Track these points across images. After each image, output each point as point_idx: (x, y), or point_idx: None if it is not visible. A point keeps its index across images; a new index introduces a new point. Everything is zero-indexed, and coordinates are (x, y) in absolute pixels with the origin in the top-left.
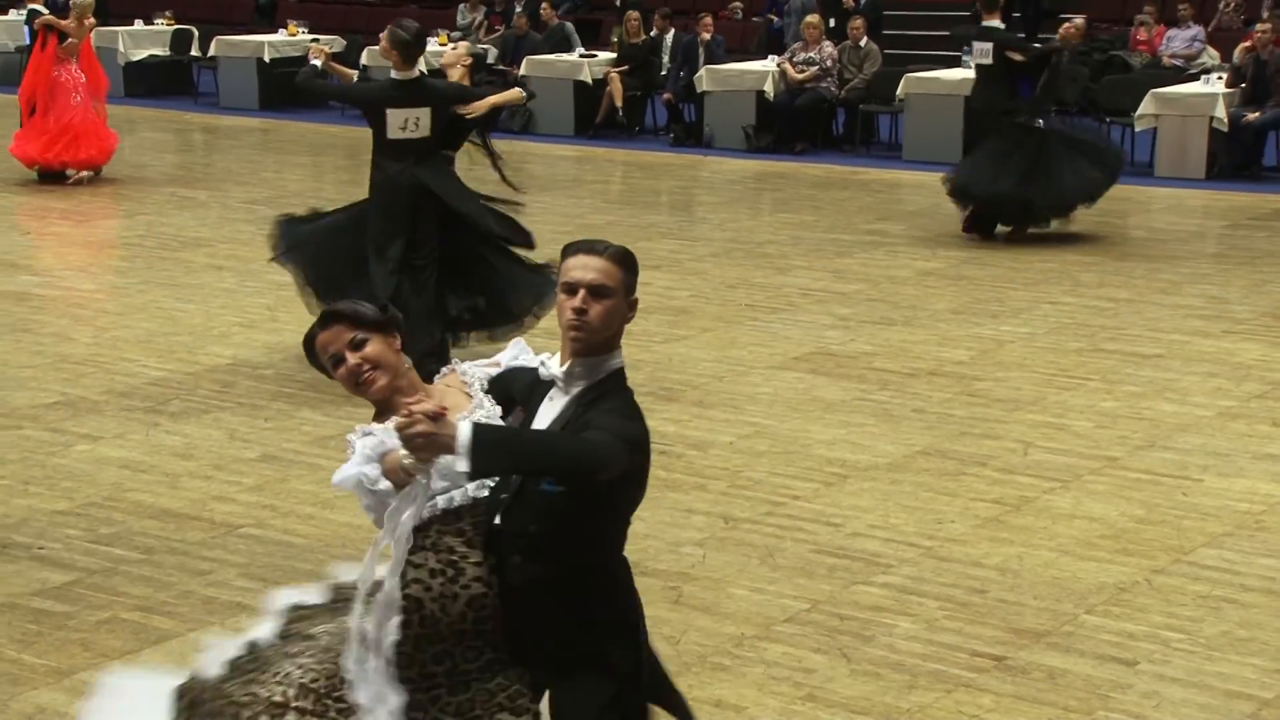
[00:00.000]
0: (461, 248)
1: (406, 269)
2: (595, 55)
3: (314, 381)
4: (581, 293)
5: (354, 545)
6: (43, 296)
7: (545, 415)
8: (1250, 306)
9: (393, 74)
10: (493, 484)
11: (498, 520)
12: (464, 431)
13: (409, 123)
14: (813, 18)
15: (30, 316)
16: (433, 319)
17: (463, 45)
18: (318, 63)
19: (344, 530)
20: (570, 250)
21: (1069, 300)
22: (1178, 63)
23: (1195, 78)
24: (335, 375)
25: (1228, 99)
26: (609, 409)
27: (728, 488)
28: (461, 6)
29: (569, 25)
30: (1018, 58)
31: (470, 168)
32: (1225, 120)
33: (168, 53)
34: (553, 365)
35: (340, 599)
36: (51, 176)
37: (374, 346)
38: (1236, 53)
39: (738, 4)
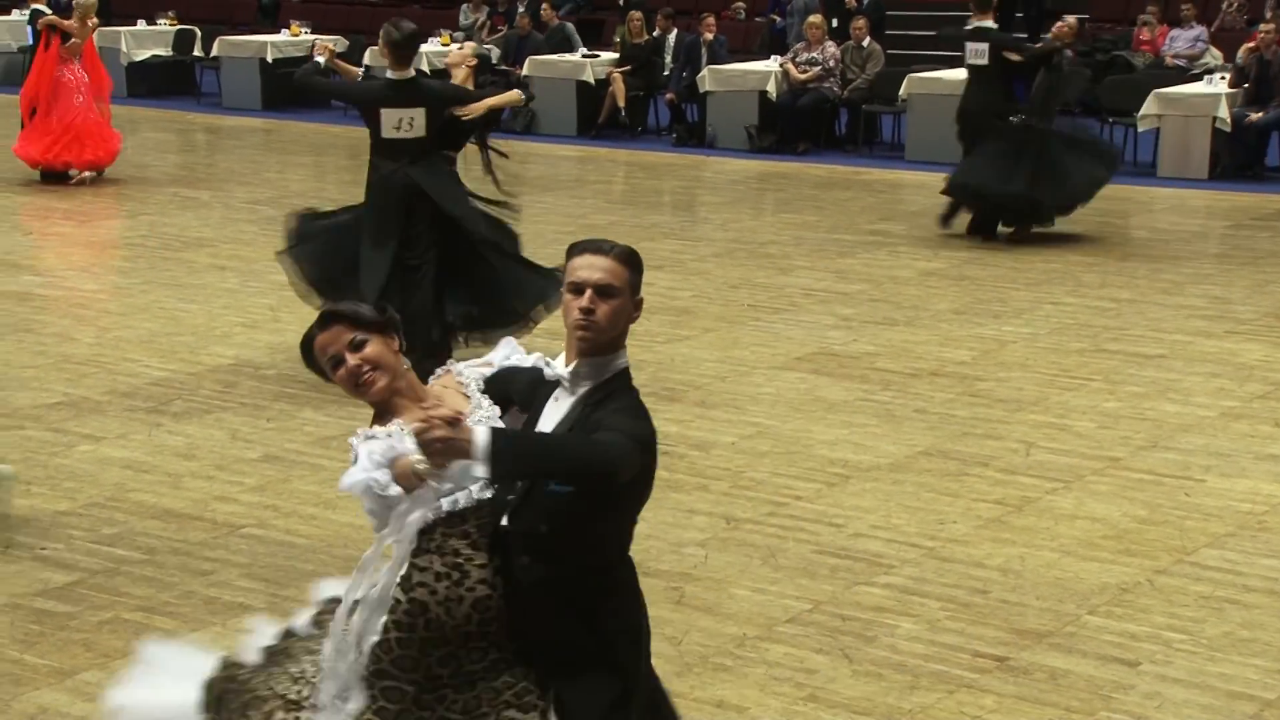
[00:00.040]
0: (462, 248)
1: (399, 268)
2: (598, 55)
3: (316, 382)
4: (588, 292)
5: (356, 545)
6: (45, 297)
7: (551, 416)
8: (1253, 307)
9: (388, 73)
10: (497, 485)
11: (505, 521)
12: (482, 436)
13: (403, 123)
14: (815, 18)
15: (33, 317)
16: (430, 319)
17: (469, 46)
18: (322, 59)
19: (346, 530)
20: (576, 250)
21: (1071, 300)
22: (1180, 63)
23: (1198, 78)
24: (334, 377)
25: (1230, 99)
26: (617, 409)
27: (730, 488)
28: (464, 7)
29: (569, 25)
30: (1015, 58)
31: (471, 168)
32: (1228, 120)
33: (170, 53)
34: (558, 366)
35: None
36: (54, 177)
37: (373, 347)
38: (1240, 53)
39: (740, 4)
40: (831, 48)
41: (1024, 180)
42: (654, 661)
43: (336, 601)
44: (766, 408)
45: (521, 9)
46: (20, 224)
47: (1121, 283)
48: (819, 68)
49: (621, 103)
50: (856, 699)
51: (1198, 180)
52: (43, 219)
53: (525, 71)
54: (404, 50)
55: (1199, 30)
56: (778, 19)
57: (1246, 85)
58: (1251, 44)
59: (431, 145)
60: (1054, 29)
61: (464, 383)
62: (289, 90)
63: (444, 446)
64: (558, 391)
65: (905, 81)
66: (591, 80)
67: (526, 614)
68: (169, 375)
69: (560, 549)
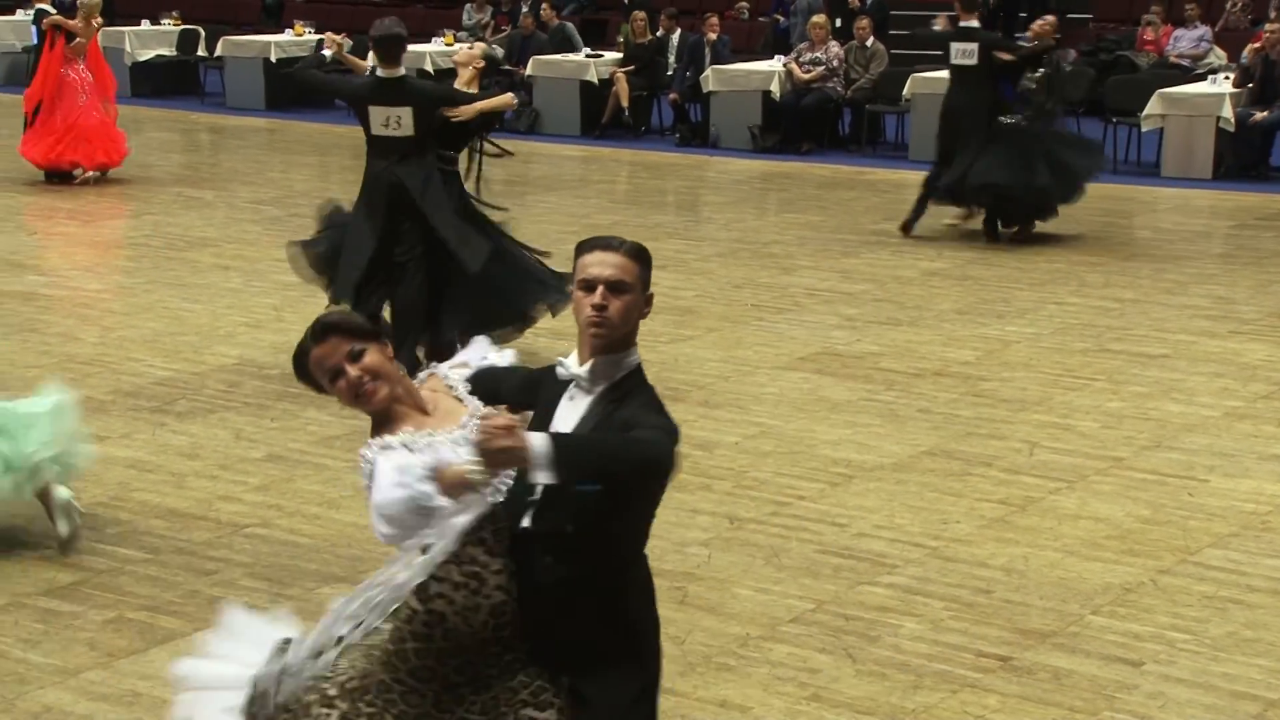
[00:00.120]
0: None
1: (384, 266)
2: (601, 55)
3: None
4: (600, 289)
5: (359, 545)
6: (49, 296)
7: (568, 415)
8: (1257, 307)
9: (377, 71)
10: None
11: (526, 523)
12: (541, 442)
13: (391, 121)
14: (819, 18)
15: (37, 316)
16: (420, 316)
17: (479, 47)
18: (328, 53)
19: (349, 530)
20: (585, 247)
21: (1075, 300)
22: (1184, 63)
23: (1202, 78)
24: (333, 389)
25: (1234, 99)
26: (642, 405)
27: (733, 488)
28: (468, 7)
29: (570, 25)
30: (1007, 57)
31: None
32: (1232, 120)
33: (174, 53)
34: (572, 365)
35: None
36: (59, 176)
37: (372, 356)
38: (1245, 52)
39: (744, 4)
40: (835, 47)
41: (1046, 174)
42: None
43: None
44: (770, 407)
45: (525, 9)
46: (25, 224)
47: (1125, 283)
48: (822, 67)
49: (625, 103)
50: (860, 699)
51: (1201, 180)
52: (47, 219)
53: (529, 71)
54: (384, 48)
55: (1203, 30)
56: (781, 19)
57: (1251, 85)
58: (1256, 44)
59: (423, 145)
60: (1034, 27)
61: (452, 385)
62: (293, 90)
63: (506, 455)
64: (572, 390)
65: (909, 81)
66: (595, 80)
67: (547, 614)
68: (173, 375)
69: (585, 547)
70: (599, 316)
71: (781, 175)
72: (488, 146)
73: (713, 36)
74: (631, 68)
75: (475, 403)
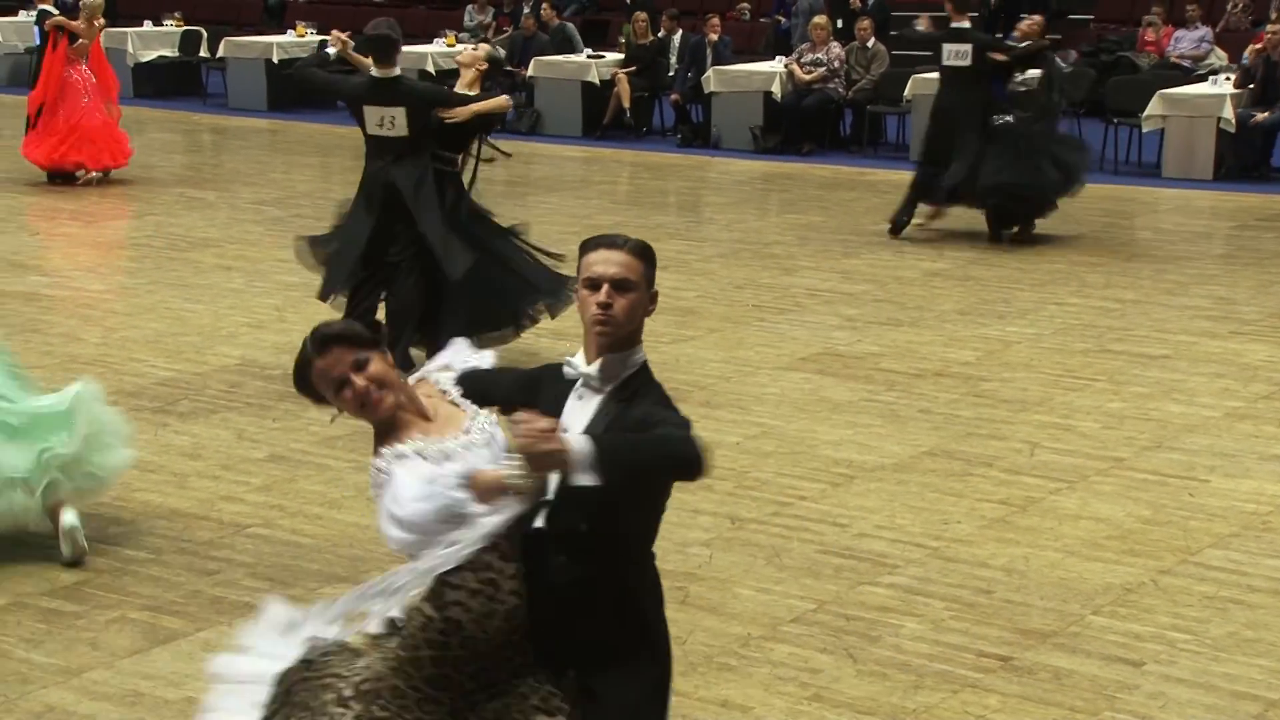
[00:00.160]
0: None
1: (377, 265)
2: (603, 56)
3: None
4: (605, 287)
5: (361, 545)
6: (52, 297)
7: (579, 415)
8: (1258, 307)
9: (373, 71)
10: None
11: (539, 523)
12: (583, 444)
13: (385, 121)
14: (820, 19)
15: (39, 317)
16: (414, 315)
17: (483, 48)
18: (333, 50)
19: (351, 530)
20: (590, 245)
21: (1075, 301)
22: (1185, 64)
23: (1203, 78)
24: (337, 400)
25: (1235, 100)
26: (654, 402)
27: (734, 488)
28: (469, 8)
29: (570, 26)
30: (1001, 58)
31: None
32: (1233, 121)
33: (176, 54)
34: (580, 364)
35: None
36: (61, 177)
37: (376, 365)
38: (1247, 53)
39: (745, 5)
40: (836, 48)
41: (1051, 170)
42: None
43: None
44: (771, 408)
45: (527, 10)
46: (27, 224)
47: (1126, 283)
48: (823, 68)
49: (627, 103)
50: (861, 698)
51: (1202, 181)
52: (49, 219)
53: (530, 72)
54: (376, 49)
55: (1204, 31)
56: (782, 20)
57: (1252, 86)
58: (1257, 45)
59: (418, 145)
60: (1021, 27)
61: (445, 390)
62: (294, 91)
63: (550, 459)
64: (580, 390)
65: (910, 82)
66: (597, 81)
67: (560, 614)
68: (175, 375)
69: (599, 546)
70: (604, 315)
71: (783, 176)
72: (484, 149)
73: (714, 37)
74: (633, 68)
75: (473, 408)
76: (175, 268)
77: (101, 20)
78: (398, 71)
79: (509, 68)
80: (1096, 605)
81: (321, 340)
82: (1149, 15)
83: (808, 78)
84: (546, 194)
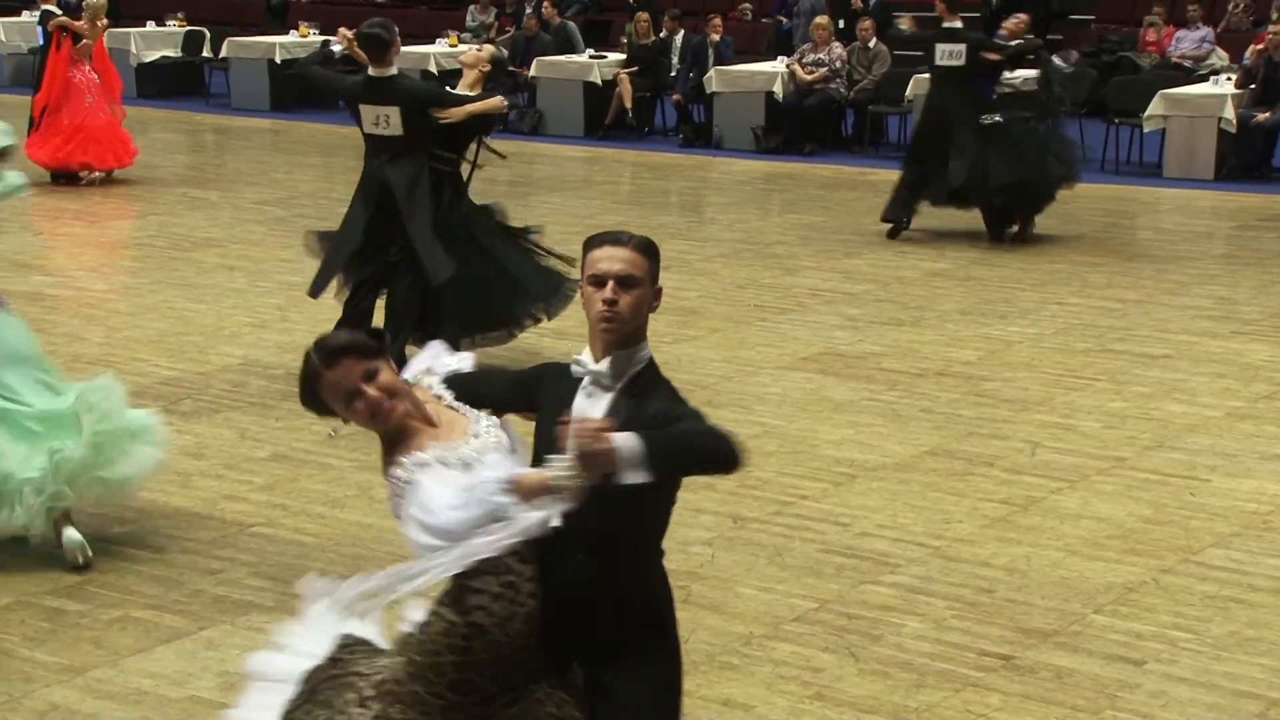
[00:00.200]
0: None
1: (373, 264)
2: (605, 56)
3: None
4: (610, 284)
5: (364, 544)
6: (55, 297)
7: (589, 412)
8: (1259, 307)
9: (369, 70)
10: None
11: (555, 522)
12: (633, 442)
13: (380, 120)
14: (822, 19)
15: (43, 317)
16: (414, 317)
17: (487, 49)
18: (338, 47)
19: (354, 529)
20: (594, 243)
21: (1077, 301)
22: (1186, 64)
23: (1204, 79)
24: (348, 411)
25: (1236, 100)
26: (668, 397)
27: (736, 487)
28: (472, 8)
29: (571, 25)
30: (994, 58)
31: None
32: (1234, 121)
33: (180, 54)
34: (588, 362)
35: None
36: (65, 177)
37: (386, 375)
38: (1248, 53)
39: (747, 5)
40: (838, 49)
41: (1053, 162)
42: None
43: None
44: (773, 407)
45: (529, 10)
46: (30, 224)
47: (1127, 283)
48: (825, 69)
49: (628, 103)
50: (862, 697)
51: (1204, 181)
52: (53, 219)
53: (533, 73)
54: (367, 47)
55: (1205, 31)
56: (784, 20)
57: (1253, 86)
58: (1259, 45)
59: (414, 144)
60: (1007, 25)
61: (440, 395)
62: (297, 91)
63: (603, 459)
64: (589, 388)
65: (911, 82)
66: (599, 81)
67: (576, 611)
68: (178, 375)
69: (618, 543)
70: (610, 311)
71: (784, 176)
72: (480, 153)
73: (716, 37)
74: (635, 69)
75: (473, 411)
76: (178, 267)
77: (104, 20)
78: (393, 71)
79: (511, 68)
80: (1098, 604)
81: (329, 352)
82: (1150, 15)
83: (809, 78)
84: (549, 194)
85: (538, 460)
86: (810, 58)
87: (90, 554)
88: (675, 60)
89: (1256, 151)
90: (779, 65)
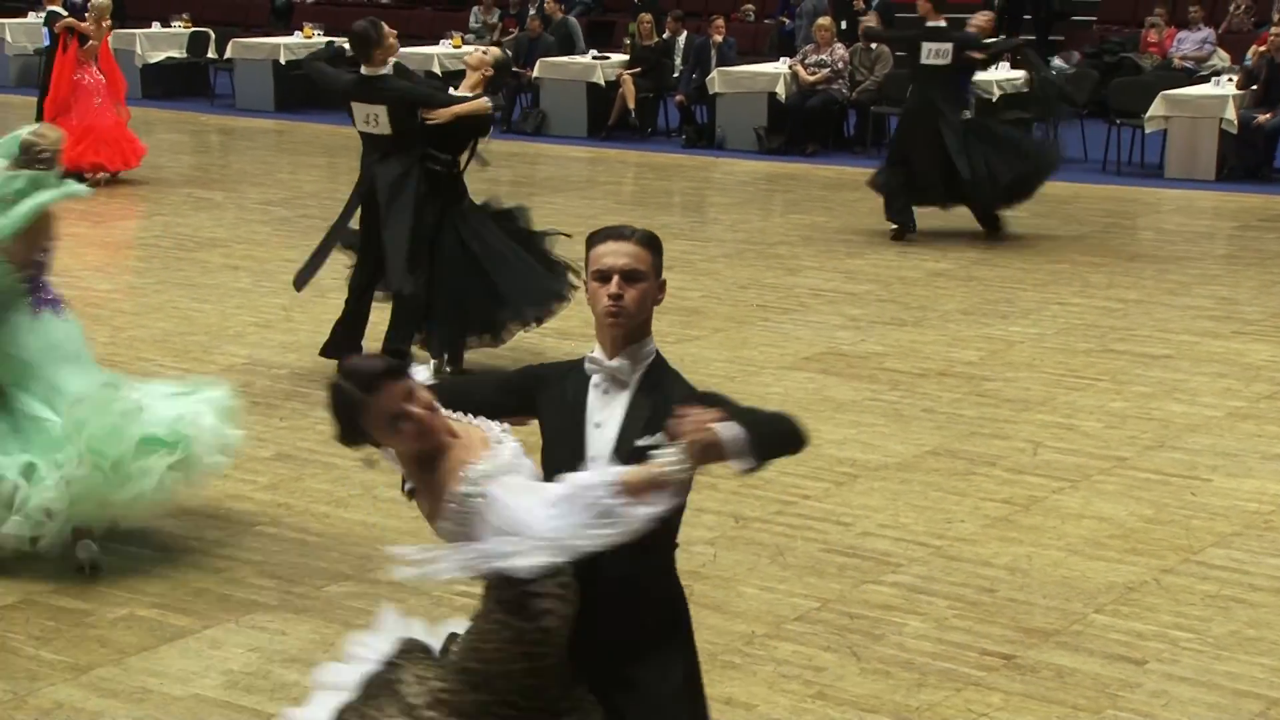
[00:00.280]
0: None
1: (371, 262)
2: (608, 57)
3: (329, 380)
4: (615, 279)
5: (368, 543)
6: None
7: (608, 409)
8: (1260, 307)
9: (362, 69)
10: None
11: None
12: (737, 432)
13: (369, 118)
14: (824, 20)
15: None
16: (418, 316)
17: (493, 51)
18: (347, 44)
19: (358, 529)
20: (598, 238)
21: (1078, 301)
22: (1188, 65)
23: (1206, 80)
24: (393, 434)
25: (1238, 101)
26: (685, 384)
27: (738, 487)
28: (475, 9)
29: (572, 20)
30: (979, 56)
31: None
32: (1235, 122)
33: (184, 55)
34: (604, 359)
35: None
36: (74, 178)
37: (421, 391)
38: (1250, 54)
39: (750, 6)
40: (840, 49)
41: (1038, 149)
42: None
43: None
44: (775, 407)
45: (532, 11)
46: None
47: (1128, 283)
48: (828, 69)
49: (631, 104)
50: (864, 696)
51: (1205, 181)
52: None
53: (536, 74)
54: (356, 46)
55: (1207, 32)
56: (787, 21)
57: (1254, 87)
58: (1260, 46)
59: (404, 144)
60: (976, 21)
61: (437, 407)
62: (302, 92)
63: (714, 449)
64: (603, 384)
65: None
66: (602, 82)
67: (607, 606)
68: (182, 374)
69: (648, 537)
70: (616, 306)
71: (787, 176)
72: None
73: (718, 38)
74: (638, 70)
75: (484, 420)
76: (183, 267)
77: (109, 20)
78: (385, 70)
79: (515, 69)
80: (1099, 604)
81: (369, 379)
82: (1152, 17)
83: (812, 79)
84: (552, 194)
85: (548, 465)
86: (813, 59)
87: (100, 568)
88: (678, 61)
89: (1258, 152)
90: (782, 66)
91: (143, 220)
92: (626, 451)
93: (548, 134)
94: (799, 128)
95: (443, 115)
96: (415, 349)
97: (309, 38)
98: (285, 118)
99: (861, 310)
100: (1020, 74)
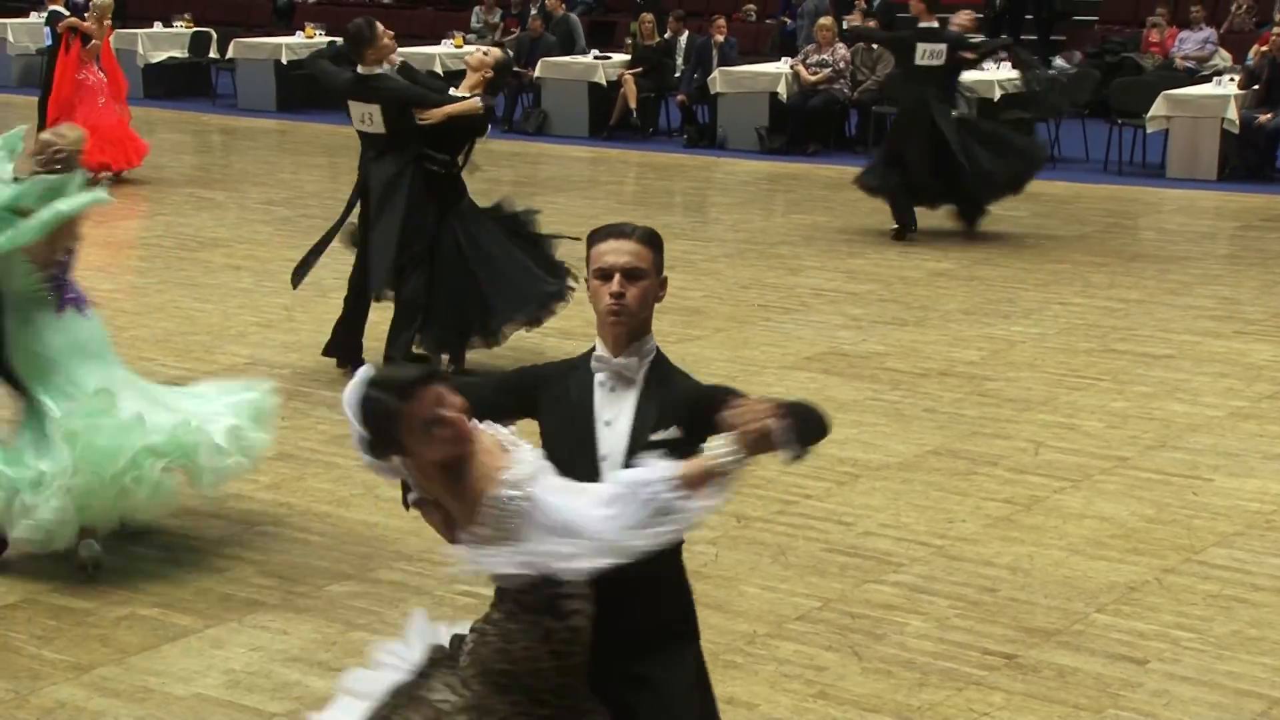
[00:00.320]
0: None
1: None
2: (610, 57)
3: (330, 380)
4: (617, 277)
5: (369, 543)
6: None
7: (616, 406)
8: (1261, 307)
9: (358, 68)
10: None
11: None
12: (785, 422)
13: (364, 117)
14: (826, 20)
15: None
16: (420, 316)
17: (495, 52)
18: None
19: (360, 528)
20: (599, 236)
21: (1080, 301)
22: (1190, 65)
23: (1207, 79)
24: (428, 442)
25: (1239, 100)
26: (688, 377)
27: (740, 486)
28: (477, 9)
29: (573, 17)
30: (971, 56)
31: (479, 169)
32: (1237, 122)
33: (186, 55)
34: (610, 358)
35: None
36: None
37: (452, 394)
38: (1252, 54)
39: (751, 6)
40: (841, 49)
41: (1026, 143)
42: None
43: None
44: None
45: (534, 11)
46: None
47: (1130, 283)
48: (829, 69)
49: (633, 104)
50: (866, 696)
51: (1206, 181)
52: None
53: (538, 73)
54: (350, 44)
55: (1208, 32)
56: (788, 21)
57: (1256, 87)
58: (1262, 46)
59: (399, 143)
60: (959, 20)
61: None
62: (303, 92)
63: (767, 440)
64: (609, 382)
65: None
66: (603, 82)
67: (625, 603)
68: (184, 374)
69: None
70: (618, 304)
71: (788, 176)
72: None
73: (720, 38)
74: (639, 69)
75: (492, 424)
76: (185, 267)
77: (109, 20)
78: (380, 69)
79: (516, 69)
80: (1100, 603)
81: (404, 387)
82: (1153, 16)
83: (813, 79)
84: (553, 194)
85: (559, 461)
86: (814, 58)
87: (102, 567)
88: (679, 61)
89: (1259, 152)
90: (783, 66)
91: (145, 220)
92: (641, 447)
93: (549, 134)
94: (800, 127)
95: (434, 115)
96: (415, 349)
97: (311, 38)
98: (287, 118)
99: (863, 310)
100: (1014, 73)
